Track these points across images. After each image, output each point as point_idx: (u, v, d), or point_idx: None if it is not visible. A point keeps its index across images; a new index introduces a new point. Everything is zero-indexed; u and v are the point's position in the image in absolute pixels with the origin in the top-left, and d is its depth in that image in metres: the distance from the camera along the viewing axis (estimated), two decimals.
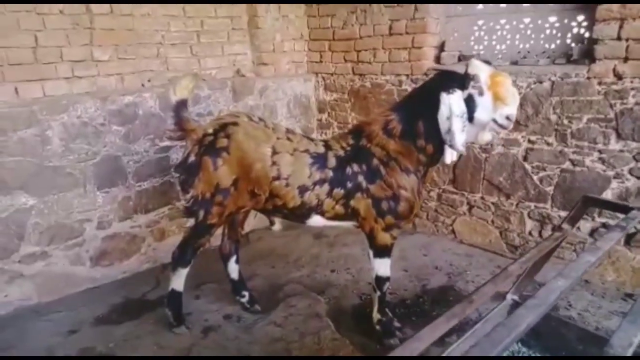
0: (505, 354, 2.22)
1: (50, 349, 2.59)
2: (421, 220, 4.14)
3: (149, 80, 3.61)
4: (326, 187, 2.34)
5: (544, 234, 3.41)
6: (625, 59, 2.84)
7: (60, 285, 3.17)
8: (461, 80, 2.10)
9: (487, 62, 2.17)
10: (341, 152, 2.38)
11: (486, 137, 2.21)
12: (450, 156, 2.26)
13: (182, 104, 2.48)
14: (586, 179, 3.14)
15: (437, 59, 3.85)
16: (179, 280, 2.63)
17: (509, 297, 2.46)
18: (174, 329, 2.66)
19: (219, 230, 2.75)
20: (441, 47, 3.84)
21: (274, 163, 2.34)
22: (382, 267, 2.50)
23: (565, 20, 3.26)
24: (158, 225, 3.62)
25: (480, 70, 2.09)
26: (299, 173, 2.34)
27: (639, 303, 1.51)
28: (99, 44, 3.24)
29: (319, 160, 2.36)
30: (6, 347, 2.61)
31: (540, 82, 3.23)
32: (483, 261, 3.55)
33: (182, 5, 3.75)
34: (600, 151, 3.05)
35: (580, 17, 3.18)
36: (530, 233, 3.50)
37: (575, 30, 3.23)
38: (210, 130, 2.44)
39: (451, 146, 2.14)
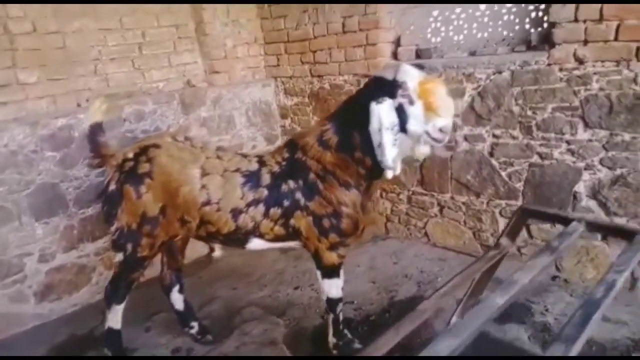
0: None
1: None
2: (393, 224, 3.93)
3: (87, 100, 3.38)
4: (261, 207, 2.12)
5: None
6: (585, 42, 2.63)
7: (1, 325, 2.94)
8: (391, 88, 1.89)
9: (420, 67, 1.97)
10: (276, 168, 2.16)
11: (423, 150, 1.99)
12: (391, 170, 2.05)
13: (96, 128, 2.27)
14: (556, 172, 2.93)
15: (395, 55, 3.64)
16: (115, 318, 2.41)
17: (454, 319, 2.22)
18: None
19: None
20: (398, 42, 3.63)
21: (203, 186, 2.12)
22: (333, 288, 2.29)
23: (523, 5, 3.05)
24: (109, 253, 3.38)
25: (409, 76, 1.88)
26: (230, 195, 2.12)
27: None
28: (23, 66, 3.01)
29: (252, 179, 2.14)
30: None
31: (500, 73, 3.01)
32: (455, 265, 3.34)
33: (118, 17, 3.52)
34: (568, 142, 2.84)
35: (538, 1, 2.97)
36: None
37: (533, 14, 3.02)
38: (131, 155, 2.22)
39: (380, 162, 1.93)
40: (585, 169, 2.82)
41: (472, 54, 3.28)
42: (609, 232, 2.07)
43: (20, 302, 3.02)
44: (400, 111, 1.89)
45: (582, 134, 2.77)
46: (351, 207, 2.11)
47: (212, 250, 3.69)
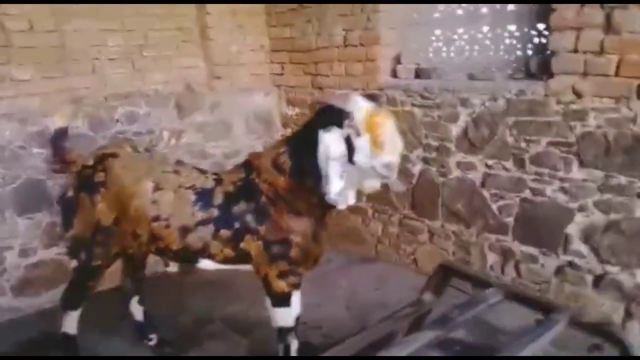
0: None
1: None
2: (384, 246, 3.80)
3: (82, 100, 3.41)
4: (211, 227, 2.05)
5: (507, 270, 3.02)
6: (584, 75, 2.44)
7: None
8: (339, 118, 1.80)
9: (372, 98, 1.87)
10: (230, 188, 2.09)
11: (371, 184, 1.88)
12: (343, 200, 1.94)
13: (61, 133, 2.27)
14: (548, 210, 2.74)
15: (394, 73, 3.51)
16: (70, 324, 2.40)
17: None
18: None
19: None
20: (398, 60, 3.50)
21: (154, 201, 2.08)
22: (283, 317, 2.19)
23: (525, 29, 2.88)
24: None
25: (357, 107, 1.79)
26: (181, 212, 2.06)
27: None
28: (17, 63, 3.05)
29: (204, 198, 2.07)
30: None
31: (495, 100, 2.85)
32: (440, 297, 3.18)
33: (120, 18, 3.54)
34: (561, 179, 2.65)
35: (541, 25, 2.79)
36: (491, 267, 3.11)
37: (536, 40, 2.84)
38: (90, 163, 2.20)
39: (325, 193, 1.84)
40: (578, 210, 2.62)
41: (471, 77, 3.11)
42: (528, 304, 1.88)
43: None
44: (349, 142, 1.80)
45: (577, 173, 2.58)
46: (301, 236, 2.02)
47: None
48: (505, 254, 3.01)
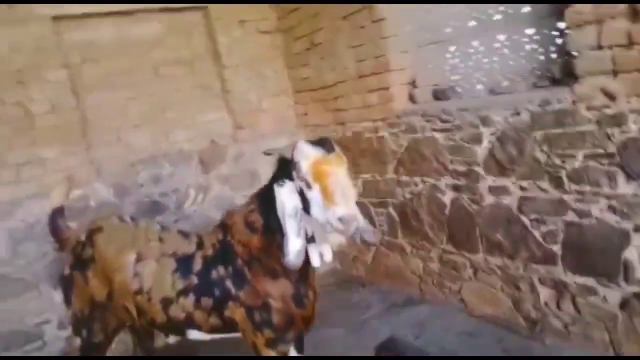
0: None
1: None
2: (427, 285, 3.46)
3: (108, 169, 3.52)
4: (191, 297, 1.93)
5: (564, 307, 2.58)
6: (614, 73, 2.07)
7: None
8: (289, 169, 1.63)
9: (322, 142, 1.66)
10: (210, 252, 1.96)
11: (335, 240, 1.66)
12: (317, 257, 1.74)
13: (57, 212, 2.29)
14: (598, 234, 2.32)
15: (412, 98, 3.26)
16: None
17: None
18: None
19: None
20: (414, 84, 3.26)
21: (136, 274, 2.00)
22: None
23: (545, 30, 2.54)
24: None
25: (302, 155, 1.61)
26: (161, 283, 1.96)
27: None
28: (43, 143, 3.22)
29: (184, 265, 1.96)
30: None
31: (518, 114, 2.51)
32: (488, 343, 2.79)
33: (140, 85, 3.67)
34: (608, 197, 2.23)
35: (562, 24, 2.44)
36: (546, 304, 2.68)
37: (559, 40, 2.49)
38: (82, 238, 2.19)
39: (284, 254, 1.64)
40: (634, 230, 2.18)
41: (493, 92, 2.80)
42: None
43: None
44: (303, 196, 1.61)
45: (625, 187, 2.16)
46: (279, 300, 1.83)
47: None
48: (559, 288, 2.58)
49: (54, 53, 3.25)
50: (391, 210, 3.56)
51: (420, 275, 3.48)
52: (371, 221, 3.77)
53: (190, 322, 1.96)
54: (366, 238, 1.74)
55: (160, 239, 2.07)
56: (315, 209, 1.61)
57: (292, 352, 2.10)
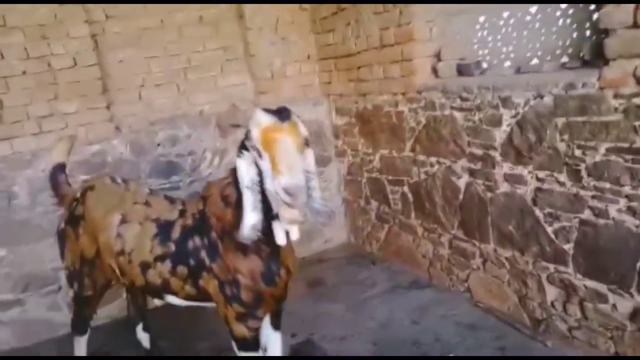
0: None
1: None
2: (436, 270, 3.33)
3: (129, 126, 3.58)
4: (168, 264, 1.92)
5: (570, 310, 2.40)
6: None
7: (37, 330, 3.29)
8: (246, 138, 1.54)
9: (278, 110, 1.54)
10: (189, 221, 1.94)
11: (286, 215, 1.56)
12: (282, 235, 1.67)
13: (58, 168, 2.34)
14: (614, 236, 2.10)
15: (435, 72, 3.05)
16: (79, 348, 2.48)
17: None
18: None
19: None
20: (438, 56, 3.03)
21: (118, 235, 2.02)
22: None
23: (581, 5, 2.25)
24: None
25: (254, 124, 1.51)
26: (141, 247, 1.97)
27: None
28: (64, 98, 3.30)
29: (164, 231, 1.95)
30: None
31: (541, 97, 2.27)
32: (486, 338, 2.66)
33: (163, 44, 3.65)
34: (628, 197, 2.00)
35: None
36: (552, 305, 2.50)
37: (595, 16, 2.20)
38: (77, 195, 2.23)
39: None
40: None
41: (518, 70, 2.55)
42: None
43: (54, 310, 3.34)
44: (258, 167, 1.54)
45: None
46: (248, 276, 1.78)
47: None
48: (567, 289, 2.39)
49: (78, 9, 3.27)
50: (406, 189, 3.41)
51: (430, 258, 3.35)
52: (385, 199, 3.65)
53: (166, 288, 1.98)
54: (319, 219, 1.66)
55: (147, 203, 2.08)
56: (267, 180, 1.54)
57: (267, 329, 2.08)
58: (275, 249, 1.77)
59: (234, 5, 3.82)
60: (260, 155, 1.54)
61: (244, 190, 1.60)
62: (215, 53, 3.87)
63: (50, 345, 3.23)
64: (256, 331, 1.90)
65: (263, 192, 1.61)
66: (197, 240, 1.88)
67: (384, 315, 3.02)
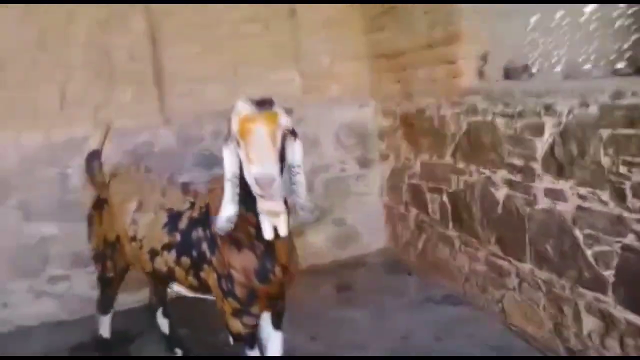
0: None
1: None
2: (471, 286, 3.13)
3: (178, 119, 3.72)
4: (173, 253, 1.96)
5: (608, 344, 2.14)
6: None
7: (82, 306, 3.51)
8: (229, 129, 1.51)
9: (260, 101, 1.51)
10: (196, 213, 1.96)
11: (263, 206, 1.52)
12: (269, 230, 1.63)
13: (93, 155, 2.47)
14: None
15: (481, 75, 2.86)
16: (102, 327, 2.62)
17: None
18: None
19: None
20: (485, 59, 2.84)
21: (133, 221, 2.10)
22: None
23: None
24: None
25: (235, 113, 1.49)
26: (152, 235, 2.03)
27: None
28: (120, 88, 3.50)
29: (172, 221, 2.00)
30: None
31: (586, 106, 2.05)
32: None
33: (216, 40, 3.75)
34: None
35: None
36: (589, 336, 2.25)
37: None
38: (106, 181, 2.35)
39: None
40: None
41: (567, 76, 2.32)
42: None
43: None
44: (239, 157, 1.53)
45: None
46: (242, 272, 1.76)
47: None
48: (606, 321, 2.13)
49: (138, 5, 3.46)
50: (445, 198, 3.24)
51: (466, 273, 3.15)
52: (424, 206, 3.49)
53: (172, 277, 2.02)
54: (303, 215, 1.62)
55: (163, 193, 2.14)
56: (245, 170, 1.52)
57: (267, 327, 2.06)
58: (270, 246, 1.74)
59: (286, 4, 3.84)
60: (238, 145, 1.54)
61: (225, 182, 1.60)
62: (266, 50, 3.90)
63: (92, 322, 3.42)
64: (252, 328, 1.88)
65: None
66: (200, 232, 1.90)
67: (407, 327, 2.89)
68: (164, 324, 2.70)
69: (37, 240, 3.40)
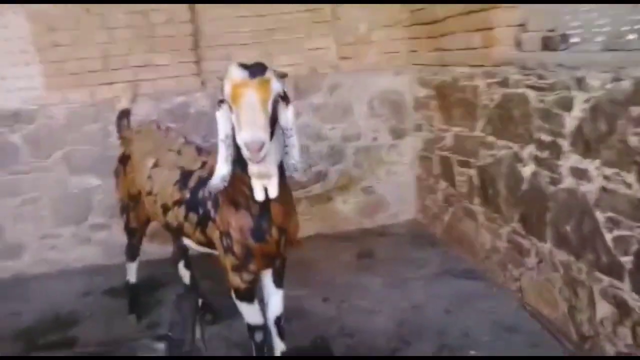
0: None
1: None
2: (491, 262, 3.07)
3: (214, 82, 3.80)
4: (183, 209, 2.06)
5: (621, 331, 2.06)
6: None
7: (119, 253, 3.76)
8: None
9: (253, 66, 1.51)
10: (205, 173, 2.03)
11: (252, 169, 1.55)
12: (260, 191, 1.67)
13: (124, 113, 2.60)
14: None
15: (518, 44, 2.71)
16: (130, 273, 2.82)
17: None
18: (129, 316, 2.85)
19: None
20: (524, 27, 2.68)
21: (149, 177, 2.21)
22: (247, 313, 2.04)
23: None
24: None
25: (227, 78, 1.50)
26: (165, 190, 2.14)
27: None
28: (158, 51, 3.62)
29: (184, 179, 2.09)
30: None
31: (619, 80, 1.91)
32: (520, 343, 2.43)
33: (253, 4, 3.76)
34: None
35: None
36: (602, 322, 2.17)
37: None
38: (132, 137, 2.47)
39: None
40: None
41: (607, 47, 2.16)
42: None
43: None
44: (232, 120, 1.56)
45: None
46: (238, 231, 1.82)
47: None
48: (620, 308, 2.04)
49: None
50: (472, 172, 3.16)
51: (487, 249, 3.09)
52: (452, 180, 3.42)
53: (181, 231, 2.14)
54: (294, 175, 1.65)
55: (179, 152, 2.23)
56: (236, 134, 1.56)
57: (269, 285, 2.14)
58: (265, 206, 1.78)
59: None
60: (231, 109, 1.57)
61: (219, 143, 1.65)
62: (303, 15, 3.87)
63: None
64: (250, 284, 1.96)
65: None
66: (206, 191, 1.98)
67: (420, 298, 2.90)
68: (185, 275, 2.86)
69: (81, 191, 3.66)
